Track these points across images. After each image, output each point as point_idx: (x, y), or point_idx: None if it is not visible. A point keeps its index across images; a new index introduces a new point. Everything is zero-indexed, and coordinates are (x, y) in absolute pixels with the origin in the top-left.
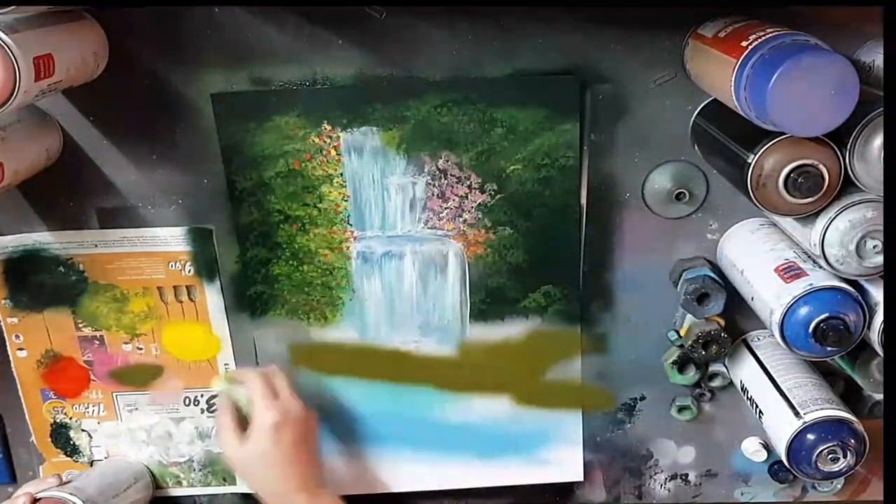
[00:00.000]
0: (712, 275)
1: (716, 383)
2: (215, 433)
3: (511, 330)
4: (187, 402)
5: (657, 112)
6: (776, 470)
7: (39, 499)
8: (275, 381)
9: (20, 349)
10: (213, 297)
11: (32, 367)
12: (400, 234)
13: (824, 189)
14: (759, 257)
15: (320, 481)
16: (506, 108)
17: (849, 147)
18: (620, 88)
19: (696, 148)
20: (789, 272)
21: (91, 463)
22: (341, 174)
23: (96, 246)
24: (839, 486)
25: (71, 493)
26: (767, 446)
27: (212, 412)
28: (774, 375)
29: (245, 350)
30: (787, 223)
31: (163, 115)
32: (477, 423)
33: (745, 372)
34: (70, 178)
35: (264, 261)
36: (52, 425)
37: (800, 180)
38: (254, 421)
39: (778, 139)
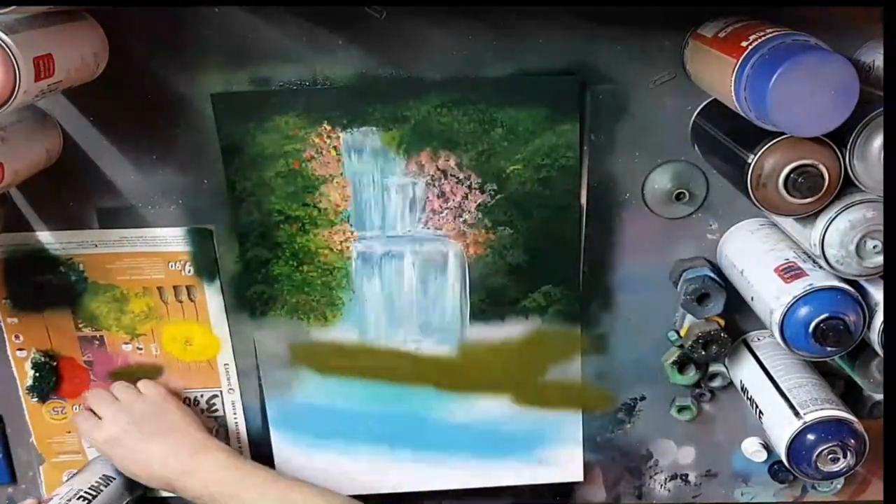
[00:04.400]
0: (712, 275)
1: (716, 383)
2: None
3: (511, 330)
4: (187, 402)
5: (657, 112)
6: (776, 470)
7: None
8: (92, 403)
9: (20, 349)
10: (213, 297)
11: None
12: (400, 235)
13: (824, 189)
14: (759, 257)
15: (193, 449)
16: (506, 108)
17: (849, 147)
18: (620, 88)
19: (696, 148)
20: (789, 272)
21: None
22: (341, 174)
23: (96, 246)
24: (839, 487)
25: None
26: (767, 446)
27: (212, 412)
28: (774, 375)
29: (245, 350)
30: (787, 223)
31: (163, 115)
32: (477, 423)
33: (745, 372)
34: (70, 178)
35: (264, 261)
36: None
37: (800, 180)
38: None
39: (778, 139)
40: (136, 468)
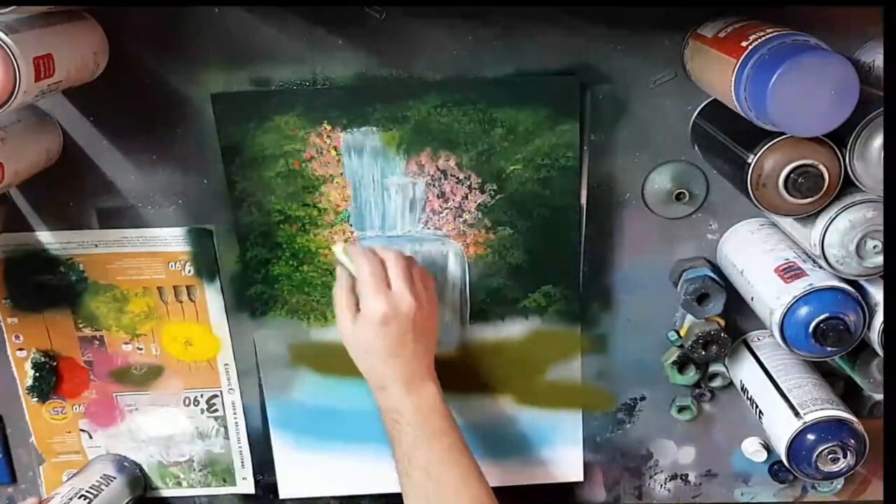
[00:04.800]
0: (712, 275)
1: (716, 383)
2: (335, 302)
3: (511, 330)
4: (187, 402)
5: (657, 112)
6: (776, 470)
7: None
8: (390, 269)
9: (20, 349)
10: (213, 297)
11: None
12: (400, 234)
13: (824, 189)
14: (759, 257)
15: (424, 374)
16: (506, 108)
17: (849, 147)
18: (620, 88)
19: (696, 148)
20: (789, 272)
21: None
22: (341, 174)
23: (96, 246)
24: (839, 486)
25: None
26: (767, 446)
27: (212, 412)
28: (774, 375)
29: (245, 350)
30: (787, 223)
31: (163, 115)
32: (477, 423)
33: (745, 372)
34: (70, 178)
35: (264, 261)
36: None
37: (800, 180)
38: (362, 308)
39: (778, 139)
40: (377, 353)
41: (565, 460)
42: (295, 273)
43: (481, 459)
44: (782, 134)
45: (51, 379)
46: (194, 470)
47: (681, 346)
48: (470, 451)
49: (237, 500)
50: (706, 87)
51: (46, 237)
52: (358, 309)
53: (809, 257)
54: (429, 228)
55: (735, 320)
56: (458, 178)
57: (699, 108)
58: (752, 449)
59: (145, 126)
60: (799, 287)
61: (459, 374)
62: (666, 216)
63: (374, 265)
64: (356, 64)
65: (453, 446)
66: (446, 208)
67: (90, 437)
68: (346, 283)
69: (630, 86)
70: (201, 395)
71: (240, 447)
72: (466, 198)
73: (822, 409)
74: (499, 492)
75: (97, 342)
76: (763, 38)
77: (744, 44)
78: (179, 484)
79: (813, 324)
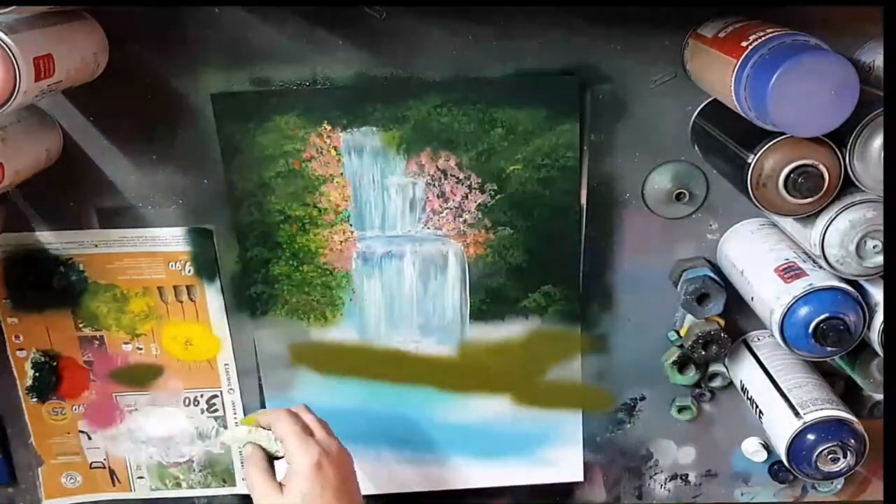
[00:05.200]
0: (712, 275)
1: (716, 383)
2: (248, 488)
3: (511, 330)
4: (187, 402)
5: (657, 112)
6: (776, 470)
7: None
8: (305, 419)
9: (20, 349)
10: (213, 297)
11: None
12: (400, 235)
13: (824, 189)
14: (759, 257)
15: None
16: (506, 108)
17: (849, 147)
18: (620, 88)
19: (696, 148)
20: (789, 272)
21: (90, 465)
22: (341, 174)
23: (96, 246)
24: (839, 487)
25: None
26: (767, 446)
27: (212, 412)
28: (774, 375)
29: (245, 350)
30: (787, 223)
31: (163, 115)
32: (477, 423)
33: (745, 372)
34: (70, 178)
35: (264, 261)
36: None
37: (800, 180)
38: (291, 465)
39: (778, 139)
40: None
41: (565, 460)
42: (295, 273)
43: (482, 459)
44: (782, 134)
45: (51, 379)
46: (194, 470)
47: (681, 346)
48: None
49: (237, 500)
50: (706, 87)
51: (46, 237)
52: (280, 484)
53: (809, 257)
54: (429, 228)
55: (735, 320)
56: (458, 178)
57: (699, 108)
58: (752, 449)
59: (145, 126)
60: (799, 287)
61: (459, 374)
62: (666, 216)
63: (291, 416)
64: (356, 64)
65: None
66: (446, 208)
67: (89, 437)
68: (258, 457)
69: (630, 86)
70: (201, 395)
71: (240, 448)
72: (466, 198)
73: (822, 409)
74: (499, 492)
75: (97, 342)
76: (763, 38)
77: (744, 44)
78: (179, 485)
79: (813, 324)
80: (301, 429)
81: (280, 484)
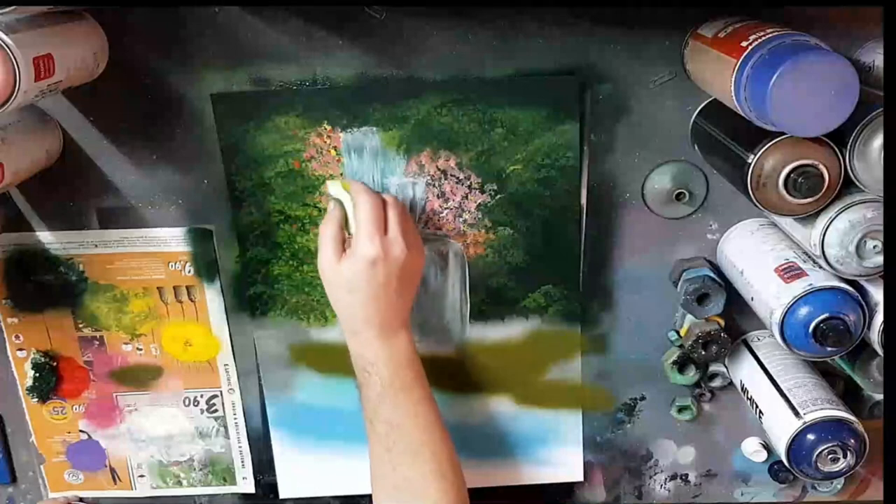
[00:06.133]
0: (712, 275)
1: (716, 383)
2: (317, 239)
3: (511, 330)
4: (187, 402)
5: (657, 112)
6: (776, 470)
7: None
8: (388, 212)
9: (20, 349)
10: (213, 298)
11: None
12: None
13: (824, 189)
14: (759, 257)
15: (400, 323)
16: (506, 108)
17: (849, 147)
18: (620, 88)
19: (696, 148)
20: (789, 272)
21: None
22: (341, 174)
23: (96, 246)
24: (839, 486)
25: None
26: (767, 446)
27: (212, 412)
28: (774, 375)
29: (245, 350)
30: (787, 223)
31: (163, 115)
32: (477, 423)
33: (745, 372)
34: (70, 178)
35: (264, 261)
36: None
37: (800, 180)
38: (353, 247)
39: (778, 139)
40: (358, 294)
41: (565, 460)
42: (295, 273)
43: (482, 459)
44: (782, 134)
45: (51, 379)
46: (194, 469)
47: (681, 346)
48: (436, 405)
49: (237, 499)
50: (706, 87)
51: (46, 237)
52: (344, 249)
53: (809, 257)
54: (429, 228)
55: (735, 320)
56: (458, 178)
57: (699, 108)
58: (752, 449)
59: (145, 126)
60: (799, 287)
61: (459, 374)
62: (666, 216)
63: (375, 205)
64: (356, 64)
65: (420, 401)
66: (446, 208)
67: (90, 437)
68: (337, 217)
69: (630, 86)
70: (201, 396)
71: (240, 447)
72: (466, 198)
73: (822, 409)
74: (499, 492)
75: (97, 342)
76: (763, 38)
77: (744, 44)
78: (180, 483)
79: (813, 324)
80: (376, 221)
81: (344, 251)
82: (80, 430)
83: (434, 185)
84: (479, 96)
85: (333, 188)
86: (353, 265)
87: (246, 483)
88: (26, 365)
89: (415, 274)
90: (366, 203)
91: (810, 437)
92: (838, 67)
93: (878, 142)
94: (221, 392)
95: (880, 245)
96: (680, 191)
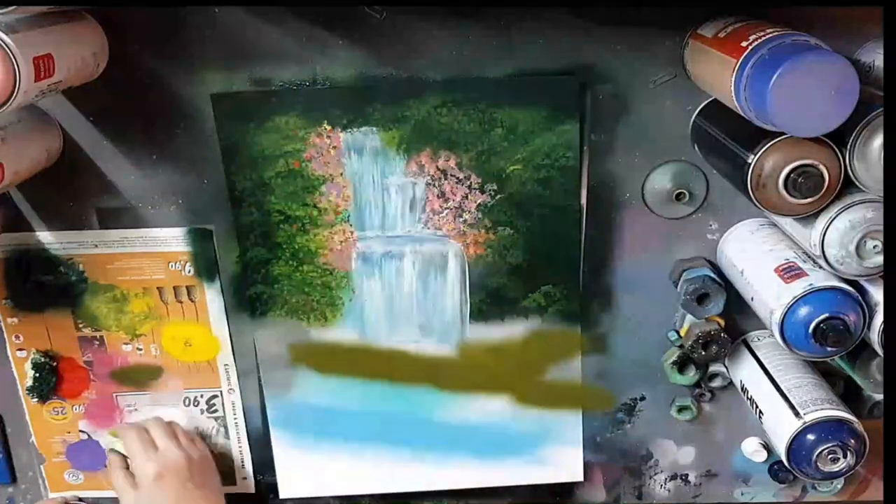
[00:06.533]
0: (712, 275)
1: (716, 383)
2: (113, 485)
3: (511, 330)
4: (187, 402)
5: (657, 112)
6: (776, 470)
7: None
8: (153, 433)
9: (20, 349)
10: (213, 298)
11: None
12: (400, 235)
13: (824, 189)
14: (759, 257)
15: None
16: (506, 108)
17: (849, 147)
18: (620, 88)
19: (696, 148)
20: (789, 272)
21: None
22: (341, 174)
23: (96, 246)
24: (839, 487)
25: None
26: (767, 446)
27: (212, 412)
28: (774, 375)
29: (245, 350)
30: (787, 223)
31: (163, 115)
32: (477, 423)
33: (745, 372)
34: (70, 178)
35: (264, 261)
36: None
37: (800, 180)
38: (137, 473)
39: (778, 139)
40: None
41: (565, 460)
42: (295, 273)
43: (482, 459)
44: (782, 134)
45: (51, 379)
46: None
47: (681, 346)
48: None
49: (237, 499)
50: (706, 87)
51: (46, 237)
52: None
53: (809, 257)
54: (429, 228)
55: (735, 320)
56: (458, 178)
57: (699, 108)
58: (752, 449)
59: (145, 126)
60: (799, 287)
61: (459, 374)
62: (666, 216)
63: (138, 432)
64: (356, 64)
65: None
66: (446, 208)
67: (90, 437)
68: (118, 462)
69: (630, 86)
70: (201, 396)
71: (240, 447)
72: (466, 198)
73: (822, 409)
74: (499, 492)
75: (97, 342)
76: (763, 38)
77: (744, 44)
78: None
79: (813, 324)
80: (144, 444)
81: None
82: (80, 430)
83: (434, 185)
84: (479, 96)
85: (105, 441)
86: (146, 488)
87: (246, 483)
88: (26, 365)
89: (206, 467)
90: (128, 435)
91: (810, 437)
92: (838, 67)
93: (878, 142)
94: (221, 392)
95: (880, 245)
96: (680, 191)
